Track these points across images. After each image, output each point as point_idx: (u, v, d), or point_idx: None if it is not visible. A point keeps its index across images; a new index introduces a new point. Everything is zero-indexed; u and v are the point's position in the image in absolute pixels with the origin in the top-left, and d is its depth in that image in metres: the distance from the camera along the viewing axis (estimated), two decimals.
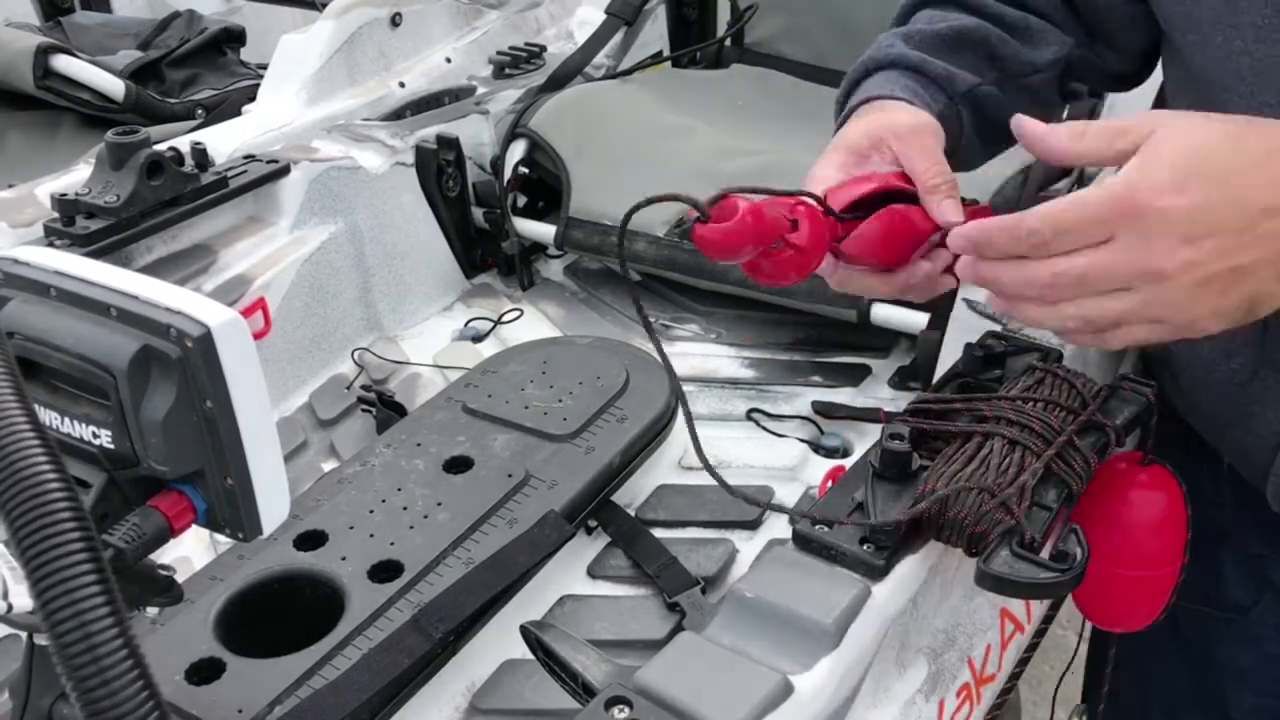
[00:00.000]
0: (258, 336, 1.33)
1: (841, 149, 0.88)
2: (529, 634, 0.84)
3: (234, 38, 2.38)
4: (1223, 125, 0.72)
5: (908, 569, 0.82)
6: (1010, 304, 0.77)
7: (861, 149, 0.87)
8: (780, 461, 1.25)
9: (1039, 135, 0.77)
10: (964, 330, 1.11)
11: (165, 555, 0.74)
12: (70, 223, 1.23)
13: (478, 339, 1.53)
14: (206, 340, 0.66)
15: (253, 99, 1.62)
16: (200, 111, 2.14)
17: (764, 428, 1.30)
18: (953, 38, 0.98)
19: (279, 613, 0.99)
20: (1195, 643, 1.15)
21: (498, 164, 1.64)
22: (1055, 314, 0.75)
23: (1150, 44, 1.02)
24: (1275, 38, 0.81)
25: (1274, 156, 0.70)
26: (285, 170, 1.42)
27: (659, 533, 1.13)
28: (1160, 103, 1.10)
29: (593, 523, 1.13)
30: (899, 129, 0.87)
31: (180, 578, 0.78)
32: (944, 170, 0.85)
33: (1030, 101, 1.01)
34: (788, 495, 1.19)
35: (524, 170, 1.65)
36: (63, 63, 2.08)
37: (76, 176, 1.36)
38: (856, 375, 1.41)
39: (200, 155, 1.36)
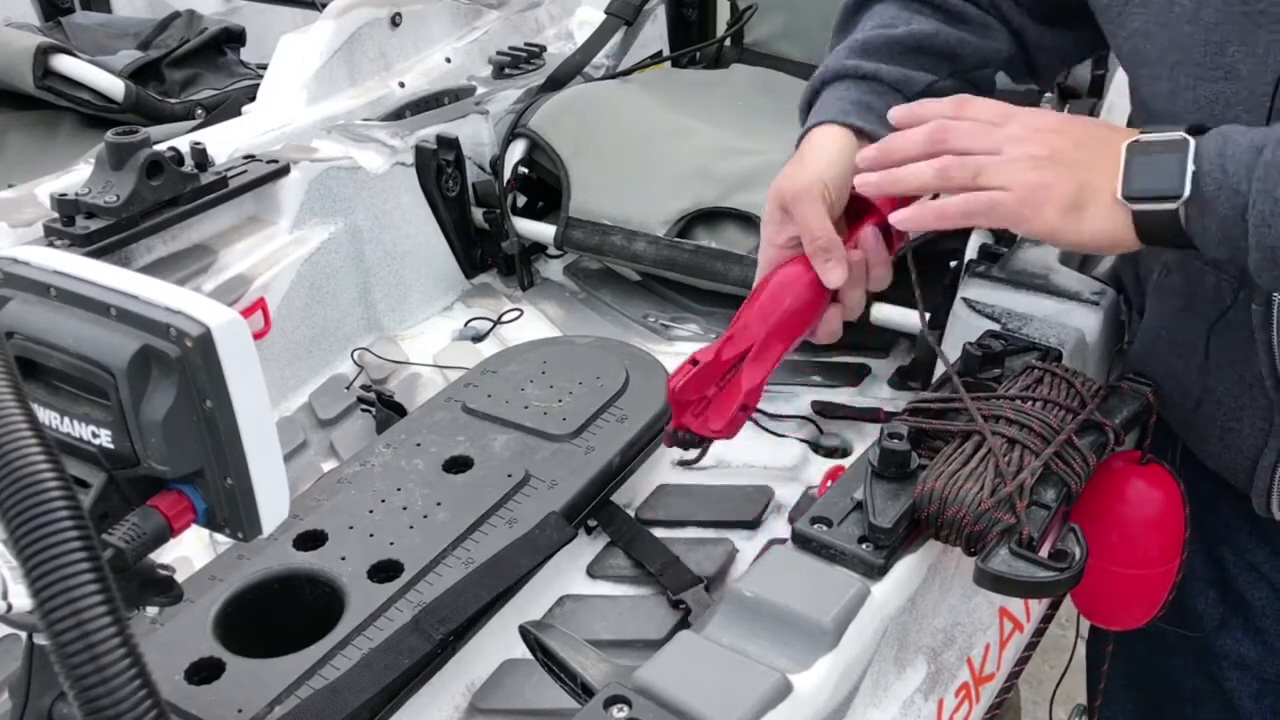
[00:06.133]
0: (258, 336, 1.33)
1: (767, 223, 0.97)
2: (528, 634, 0.84)
3: (234, 38, 2.37)
4: None
5: (906, 568, 0.82)
6: (895, 167, 0.88)
7: (777, 218, 0.95)
8: (780, 461, 1.25)
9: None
10: (963, 330, 1.11)
11: (165, 555, 0.74)
12: (70, 223, 1.23)
13: (477, 339, 1.53)
14: (206, 340, 0.66)
15: (253, 99, 1.62)
16: (200, 111, 2.14)
17: (764, 427, 1.30)
18: (913, 45, 1.03)
19: (279, 613, 0.99)
20: (1198, 636, 1.16)
21: (497, 164, 1.64)
22: (935, 165, 0.86)
23: (1072, 61, 1.21)
24: (1214, 75, 0.87)
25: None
26: (285, 170, 1.42)
27: (659, 532, 1.13)
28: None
29: (592, 522, 1.13)
30: (786, 195, 0.94)
31: (180, 578, 0.78)
32: (827, 233, 0.92)
33: (974, 92, 1.04)
34: (788, 495, 1.19)
35: (524, 170, 1.65)
36: (63, 63, 2.07)
37: (76, 176, 1.36)
38: (856, 375, 1.41)
39: (200, 155, 1.36)
